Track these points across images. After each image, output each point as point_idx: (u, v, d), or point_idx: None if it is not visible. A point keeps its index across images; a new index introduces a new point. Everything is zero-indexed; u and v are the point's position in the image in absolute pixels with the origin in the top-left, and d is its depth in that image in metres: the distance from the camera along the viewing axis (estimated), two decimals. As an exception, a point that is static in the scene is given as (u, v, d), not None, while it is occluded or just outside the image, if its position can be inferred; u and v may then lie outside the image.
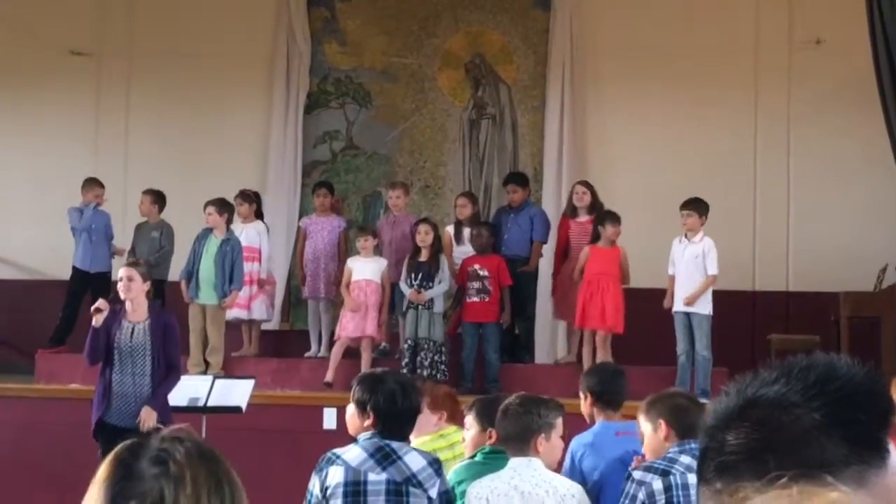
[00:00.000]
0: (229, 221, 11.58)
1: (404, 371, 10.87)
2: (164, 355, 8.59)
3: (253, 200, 12.28)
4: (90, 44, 14.25)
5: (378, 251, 11.69)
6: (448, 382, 10.97)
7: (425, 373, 10.92)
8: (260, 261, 12.06)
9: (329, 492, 4.81)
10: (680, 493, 4.83)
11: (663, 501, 4.85)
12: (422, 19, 14.22)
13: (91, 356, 8.52)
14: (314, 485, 4.89)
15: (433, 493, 4.86)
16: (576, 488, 5.08)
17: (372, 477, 4.82)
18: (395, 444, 4.91)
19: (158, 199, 12.38)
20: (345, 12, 14.32)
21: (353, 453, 4.90)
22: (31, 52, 14.11)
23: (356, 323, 11.21)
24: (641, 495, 4.88)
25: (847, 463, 1.39)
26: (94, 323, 8.39)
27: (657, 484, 4.87)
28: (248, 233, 11.96)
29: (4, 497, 10.31)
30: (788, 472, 1.38)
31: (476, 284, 11.32)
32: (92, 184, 12.41)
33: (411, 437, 5.24)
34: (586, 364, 11.08)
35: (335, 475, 4.84)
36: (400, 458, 4.88)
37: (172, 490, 1.82)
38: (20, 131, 14.33)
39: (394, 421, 4.94)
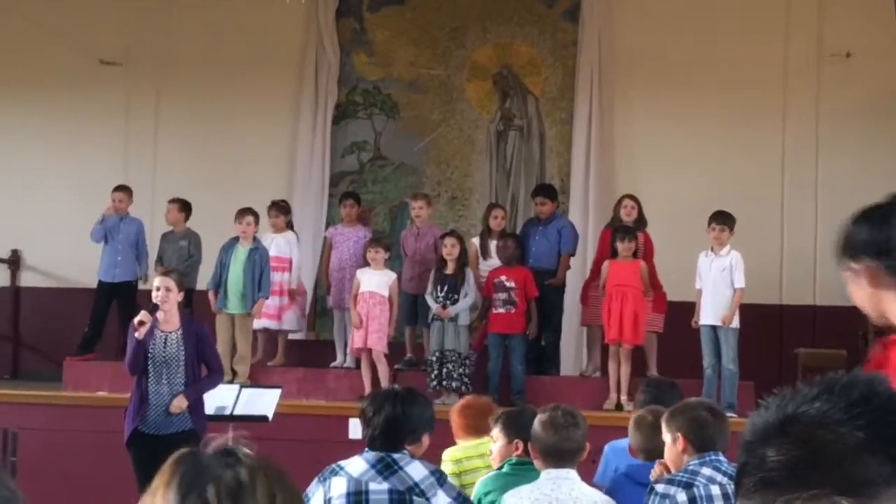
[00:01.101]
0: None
1: (433, 383, 10.91)
2: (203, 362, 8.68)
3: (286, 211, 12.34)
4: (121, 53, 14.32)
5: (389, 264, 11.70)
6: (473, 394, 11.00)
7: (453, 385, 10.95)
8: (290, 271, 12.12)
9: (332, 503, 4.83)
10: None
11: None
12: (450, 30, 14.24)
13: (133, 367, 8.55)
14: (315, 493, 4.91)
15: (435, 501, 4.87)
16: (612, 502, 5.09)
17: (374, 487, 4.84)
18: (396, 456, 4.93)
19: (185, 207, 12.44)
20: (373, 23, 14.36)
21: (355, 465, 4.92)
22: (63, 62, 14.20)
23: (360, 335, 11.25)
24: None
25: (890, 483, 1.39)
26: (137, 335, 8.41)
27: (681, 496, 4.86)
28: (278, 243, 12.02)
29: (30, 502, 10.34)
30: (831, 489, 1.38)
31: (502, 296, 11.33)
32: (114, 191, 12.49)
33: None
34: (612, 376, 11.09)
35: (338, 486, 4.86)
36: (401, 468, 4.90)
37: (248, 474, 1.80)
38: (51, 140, 14.41)
39: (382, 432, 4.97)
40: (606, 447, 6.70)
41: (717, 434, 4.90)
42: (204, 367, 8.81)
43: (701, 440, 4.96)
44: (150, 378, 8.52)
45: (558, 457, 5.02)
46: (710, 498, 4.82)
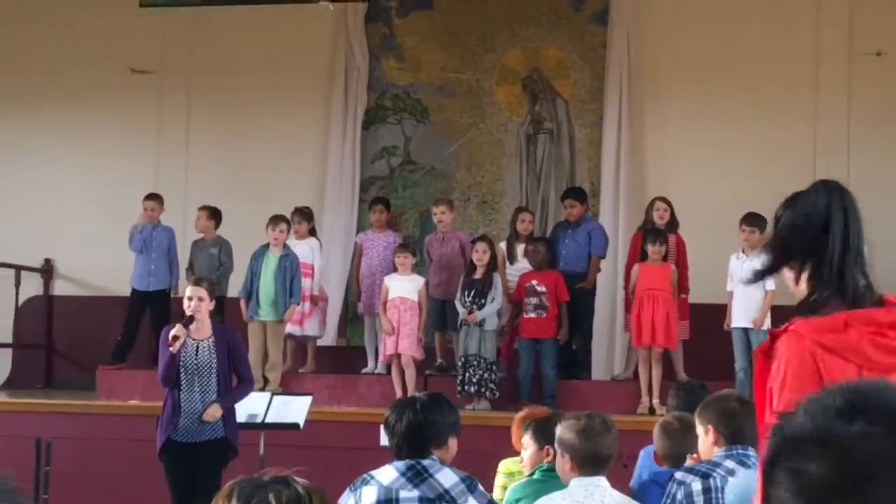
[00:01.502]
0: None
1: (459, 388, 10.90)
2: (234, 372, 8.69)
3: (309, 218, 12.37)
4: (152, 62, 14.39)
5: (416, 269, 11.70)
6: (501, 399, 11.00)
7: (472, 389, 10.94)
8: (313, 277, 12.14)
9: None
10: (720, 495, 4.85)
11: (702, 502, 4.86)
12: (479, 35, 14.23)
13: (166, 380, 8.54)
14: (346, 503, 4.91)
15: None
16: None
17: (404, 494, 4.83)
18: (426, 462, 4.93)
19: (214, 215, 12.49)
20: (402, 28, 14.38)
21: (386, 473, 4.92)
22: (94, 71, 14.28)
23: (391, 342, 11.25)
24: (680, 494, 4.93)
25: None
26: (171, 350, 8.43)
27: (696, 485, 4.90)
28: (301, 249, 12.05)
29: (66, 512, 10.40)
30: None
31: (533, 300, 11.31)
32: (146, 199, 12.54)
33: None
34: (643, 380, 11.06)
35: (368, 495, 4.87)
36: (431, 475, 4.89)
37: (305, 491, 1.94)
38: (82, 149, 14.50)
39: (406, 440, 4.96)
40: (642, 452, 6.69)
41: (749, 425, 4.87)
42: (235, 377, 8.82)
43: (731, 431, 4.96)
44: (183, 386, 8.53)
45: (593, 464, 4.99)
46: (725, 489, 4.84)
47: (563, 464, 5.11)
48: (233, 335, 8.98)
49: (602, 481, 5.00)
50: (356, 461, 9.78)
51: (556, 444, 5.20)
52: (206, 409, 8.47)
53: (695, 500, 4.88)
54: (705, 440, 5.11)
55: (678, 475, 4.99)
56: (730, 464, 4.89)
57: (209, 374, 8.56)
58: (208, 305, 8.68)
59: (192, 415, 8.52)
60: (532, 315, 11.32)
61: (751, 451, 4.86)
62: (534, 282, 11.34)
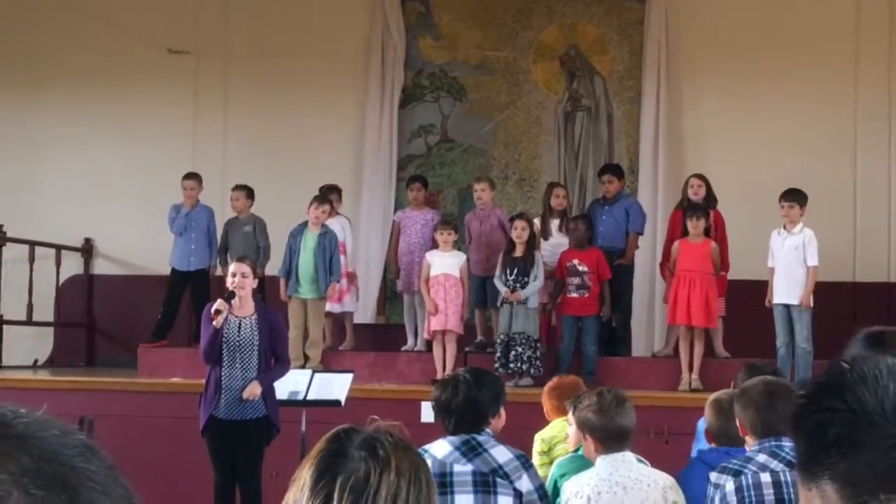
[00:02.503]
0: None
1: (497, 367, 10.90)
2: (272, 351, 8.73)
3: (339, 196, 12.41)
4: (188, 42, 14.43)
5: (459, 245, 11.70)
6: (542, 377, 11.00)
7: (519, 367, 10.94)
8: (346, 254, 12.17)
9: None
10: (752, 493, 4.77)
11: (734, 501, 4.79)
12: (515, 12, 14.19)
13: (209, 356, 8.61)
14: None
15: (520, 485, 4.87)
16: (671, 479, 5.06)
17: (458, 468, 4.85)
18: (481, 438, 4.94)
19: (251, 194, 12.53)
20: (439, 6, 14.35)
21: (440, 447, 4.94)
22: (131, 51, 14.33)
23: (437, 318, 11.25)
24: (717, 498, 4.83)
25: None
26: (214, 324, 8.48)
27: (729, 486, 4.80)
28: (334, 228, 12.08)
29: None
30: None
31: (576, 280, 11.28)
32: (184, 179, 12.58)
33: None
34: (684, 357, 11.03)
35: None
36: (486, 450, 4.90)
37: (377, 474, 1.96)
38: (121, 128, 14.57)
39: (456, 415, 4.98)
40: (698, 423, 6.71)
41: (781, 411, 4.73)
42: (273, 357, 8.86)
43: (761, 424, 4.86)
44: (224, 363, 8.59)
45: (615, 439, 4.99)
46: (758, 486, 4.73)
47: (587, 446, 5.12)
48: (275, 315, 9.03)
49: (627, 456, 5.00)
50: (397, 438, 9.83)
51: (577, 429, 5.23)
52: (245, 386, 8.53)
53: (729, 501, 4.78)
54: (742, 429, 5.06)
55: (713, 477, 4.88)
56: (762, 458, 4.78)
57: (251, 351, 8.61)
58: (251, 283, 8.73)
59: (232, 391, 8.58)
60: (574, 295, 11.30)
61: (785, 443, 4.70)
62: (575, 261, 11.30)
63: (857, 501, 1.37)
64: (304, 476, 2.00)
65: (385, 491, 1.95)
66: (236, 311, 8.65)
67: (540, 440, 6.72)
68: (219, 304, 8.53)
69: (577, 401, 5.29)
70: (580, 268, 11.26)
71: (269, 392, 8.68)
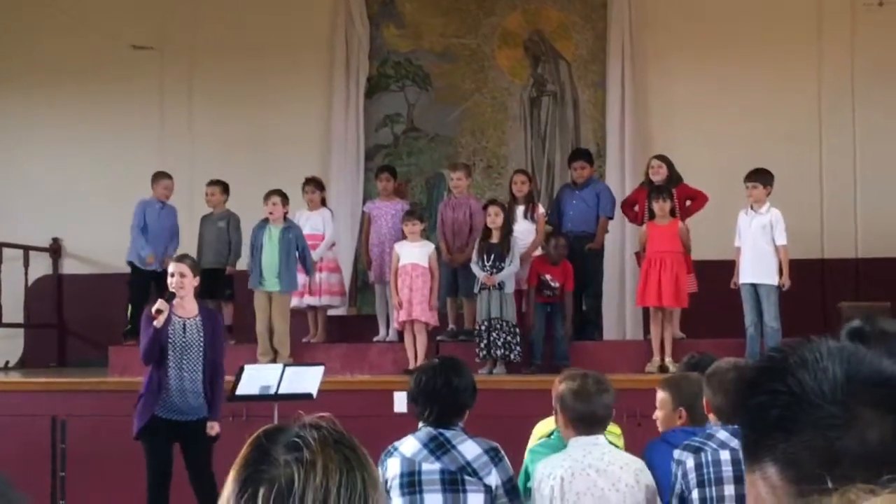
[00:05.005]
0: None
1: (482, 353, 10.90)
2: (212, 354, 8.64)
3: (321, 188, 12.36)
4: (152, 38, 14.36)
5: (425, 235, 11.68)
6: (518, 365, 11.01)
7: (499, 353, 10.93)
8: (330, 247, 12.15)
9: (388, 484, 4.85)
10: (711, 469, 4.84)
11: (694, 478, 4.87)
12: (478, -1, 14.19)
13: (149, 356, 8.50)
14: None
15: (489, 480, 4.86)
16: (641, 462, 5.09)
17: (426, 467, 4.84)
18: (448, 434, 4.93)
19: (226, 189, 12.49)
20: (401, -5, 14.33)
21: (408, 445, 4.93)
22: (95, 48, 14.26)
23: (405, 308, 11.23)
24: (680, 473, 4.94)
25: None
26: (155, 324, 8.40)
27: (689, 462, 4.90)
28: (313, 221, 12.04)
29: (81, 489, 10.45)
30: None
31: (547, 292, 11.33)
32: (159, 178, 12.50)
33: None
34: (655, 339, 11.06)
35: (393, 467, 4.89)
36: (454, 447, 4.90)
37: (302, 477, 1.82)
38: (86, 126, 14.50)
39: (433, 408, 4.96)
40: None
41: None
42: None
43: (728, 406, 4.90)
44: (170, 364, 8.46)
45: (589, 424, 5.01)
46: (717, 463, 4.83)
47: (561, 422, 5.14)
48: (217, 316, 8.95)
49: (600, 439, 5.02)
50: (371, 429, 9.81)
51: (554, 403, 5.23)
52: (190, 387, 8.45)
53: (689, 478, 4.88)
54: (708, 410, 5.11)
55: (676, 454, 4.99)
56: (723, 435, 4.86)
57: (197, 352, 8.52)
58: (191, 282, 8.60)
59: (180, 392, 8.48)
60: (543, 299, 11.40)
61: None
62: (547, 276, 11.31)
63: (797, 489, 1.37)
64: (227, 488, 1.87)
65: (311, 496, 1.81)
66: (180, 313, 8.54)
67: (538, 436, 6.63)
68: (160, 304, 8.43)
69: (561, 377, 5.30)
70: (552, 283, 11.29)
71: (214, 398, 8.61)
